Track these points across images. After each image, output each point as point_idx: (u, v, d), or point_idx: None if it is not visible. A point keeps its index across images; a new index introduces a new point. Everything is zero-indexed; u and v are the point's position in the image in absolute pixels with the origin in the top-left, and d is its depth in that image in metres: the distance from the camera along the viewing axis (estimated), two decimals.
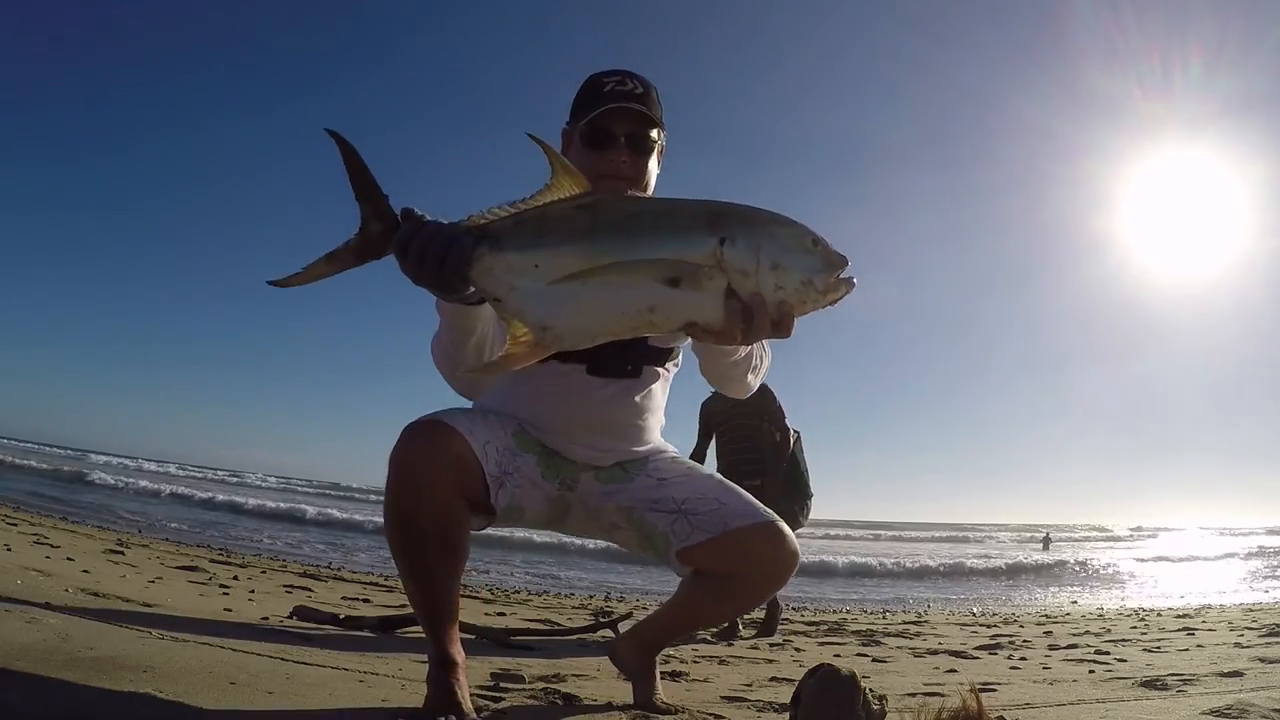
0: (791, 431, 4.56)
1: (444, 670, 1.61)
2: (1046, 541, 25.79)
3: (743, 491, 1.74)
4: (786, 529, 1.69)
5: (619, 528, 1.75)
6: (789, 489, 4.51)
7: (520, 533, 16.18)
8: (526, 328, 1.25)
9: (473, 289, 1.29)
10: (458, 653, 1.66)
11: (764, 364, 1.75)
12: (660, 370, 1.81)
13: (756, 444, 4.55)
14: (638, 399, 1.78)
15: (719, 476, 1.80)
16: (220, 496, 18.27)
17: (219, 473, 33.00)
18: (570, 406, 1.73)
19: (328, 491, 29.30)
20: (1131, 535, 34.25)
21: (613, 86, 1.70)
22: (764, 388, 4.58)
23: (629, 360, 1.73)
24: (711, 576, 1.70)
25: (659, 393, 1.84)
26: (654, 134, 1.74)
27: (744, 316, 1.22)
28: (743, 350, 1.62)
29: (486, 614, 4.29)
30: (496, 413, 1.72)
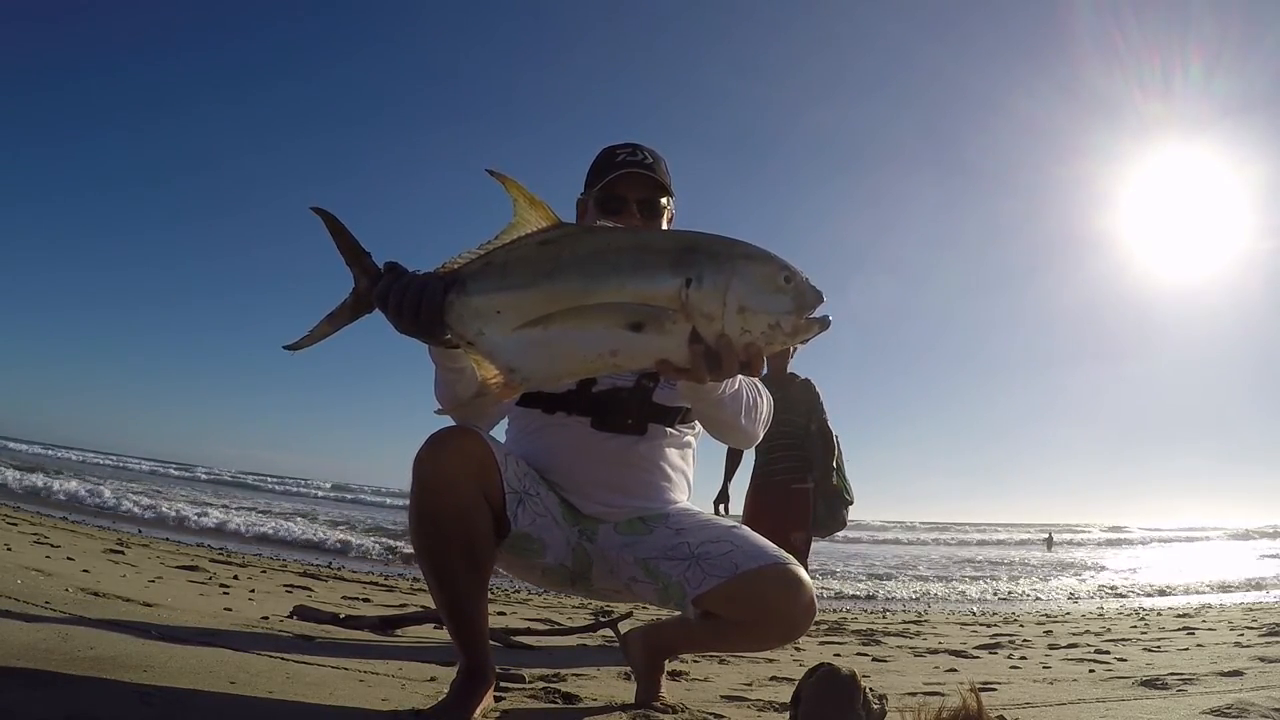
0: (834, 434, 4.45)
1: (471, 681, 1.59)
2: (1049, 541, 25.75)
3: (758, 536, 1.68)
4: (802, 574, 1.59)
5: (638, 580, 1.69)
6: (835, 491, 4.37)
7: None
8: (496, 369, 1.27)
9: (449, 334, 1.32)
10: (489, 667, 1.62)
11: (762, 407, 1.68)
12: (670, 430, 1.79)
13: (803, 444, 4.37)
14: (645, 455, 1.76)
15: (739, 525, 1.76)
16: (220, 495, 18.28)
17: (214, 470, 33.00)
18: (578, 458, 1.74)
19: (327, 492, 29.30)
20: (1132, 534, 34.25)
21: (624, 156, 1.78)
22: (809, 384, 4.42)
23: (631, 415, 1.74)
24: (724, 620, 1.61)
25: (674, 453, 1.82)
26: (664, 200, 1.80)
27: (709, 358, 1.19)
28: (724, 390, 1.54)
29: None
30: (515, 456, 1.70)
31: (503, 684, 2.06)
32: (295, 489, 28.09)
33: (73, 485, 12.95)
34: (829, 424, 4.39)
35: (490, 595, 5.83)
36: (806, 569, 4.58)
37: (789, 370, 4.46)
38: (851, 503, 4.52)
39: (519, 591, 6.52)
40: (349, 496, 26.81)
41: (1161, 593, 10.68)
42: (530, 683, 2.11)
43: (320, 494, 27.23)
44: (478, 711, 1.56)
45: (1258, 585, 11.40)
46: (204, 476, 29.30)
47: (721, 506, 4.60)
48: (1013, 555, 19.58)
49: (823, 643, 4.03)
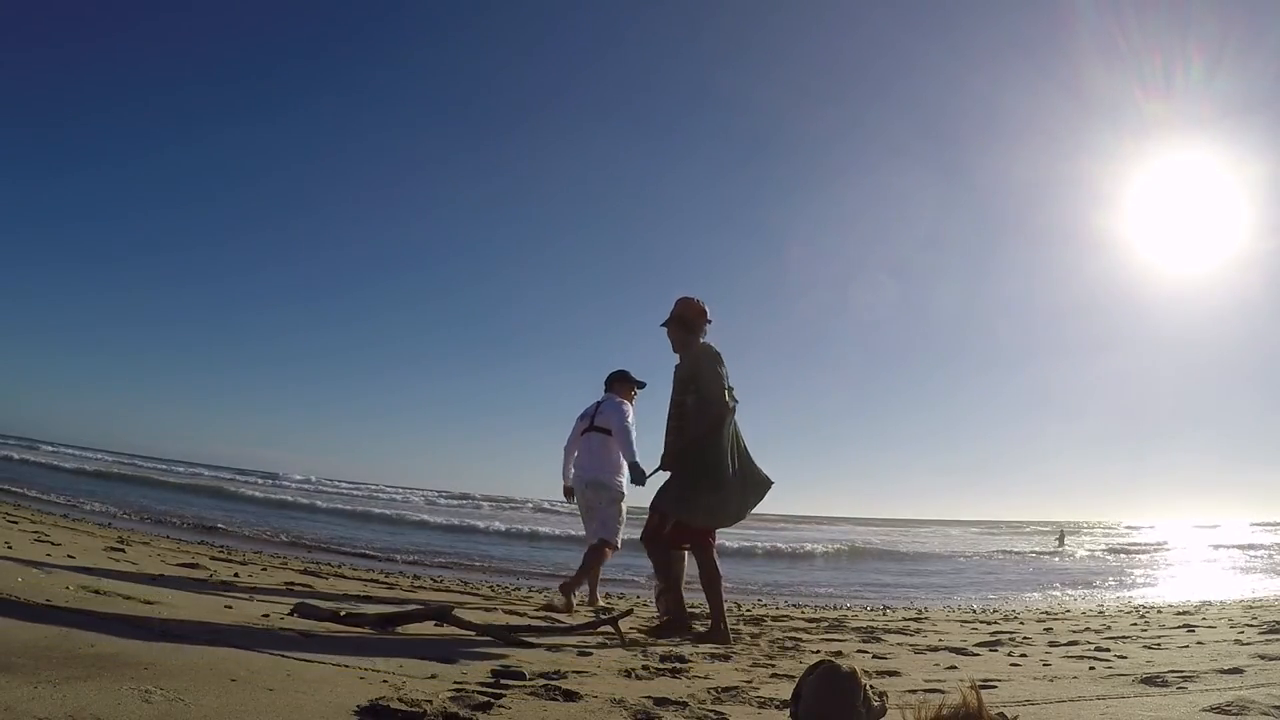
0: (727, 404, 3.87)
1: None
2: (1061, 537, 25.66)
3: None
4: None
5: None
6: (685, 470, 3.84)
7: (519, 530, 16.26)
8: None
9: None
10: None
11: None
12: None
13: (682, 419, 3.89)
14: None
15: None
16: (226, 493, 18.31)
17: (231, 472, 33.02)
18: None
19: (330, 490, 29.30)
20: (1133, 531, 34.27)
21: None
22: (699, 353, 3.91)
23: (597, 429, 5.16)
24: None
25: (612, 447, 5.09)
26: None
27: None
28: None
29: (488, 611, 4.30)
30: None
31: (504, 680, 2.07)
32: (298, 488, 28.11)
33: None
34: (718, 391, 3.85)
35: (491, 592, 5.87)
36: (651, 552, 4.19)
37: (703, 340, 4.00)
38: (718, 483, 3.80)
39: (519, 590, 6.53)
40: (359, 494, 26.82)
41: (1161, 589, 10.69)
42: (531, 679, 2.11)
43: (325, 493, 27.23)
44: None
45: (1257, 580, 11.41)
46: (206, 474, 29.30)
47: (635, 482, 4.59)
48: (1023, 551, 19.59)
49: (823, 640, 4.03)
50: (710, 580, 3.84)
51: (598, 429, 5.14)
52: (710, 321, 4.05)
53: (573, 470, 5.24)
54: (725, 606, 3.81)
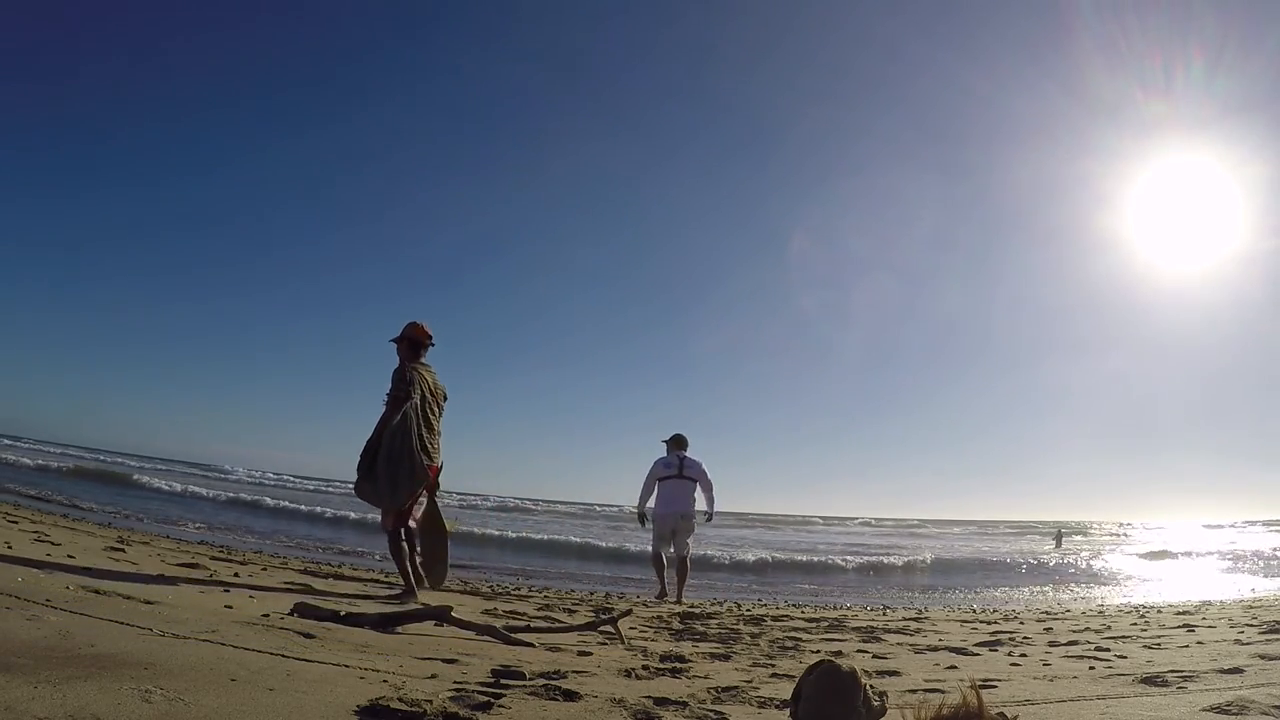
0: (396, 407, 4.57)
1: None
2: (1059, 538, 25.61)
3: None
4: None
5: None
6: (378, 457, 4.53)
7: (519, 530, 16.27)
8: None
9: None
10: None
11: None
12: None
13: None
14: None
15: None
16: (222, 493, 18.30)
17: (215, 470, 32.99)
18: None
19: (329, 489, 29.29)
20: (1133, 531, 34.25)
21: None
22: (399, 368, 4.64)
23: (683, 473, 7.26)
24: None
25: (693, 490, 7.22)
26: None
27: None
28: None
29: (487, 611, 4.30)
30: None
31: (503, 680, 2.07)
32: (297, 486, 28.11)
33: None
34: (398, 398, 4.58)
35: (490, 592, 5.86)
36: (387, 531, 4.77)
37: (423, 357, 4.80)
38: (371, 468, 4.54)
39: (518, 589, 6.53)
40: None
41: (1162, 589, 10.69)
42: (531, 679, 2.11)
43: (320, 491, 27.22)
44: None
45: (1258, 580, 11.40)
46: (207, 476, 29.26)
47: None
48: (1022, 551, 19.59)
49: (823, 639, 4.03)
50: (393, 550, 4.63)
51: (686, 477, 7.31)
52: (433, 344, 4.86)
53: (657, 505, 7.26)
54: (446, 581, 4.87)
